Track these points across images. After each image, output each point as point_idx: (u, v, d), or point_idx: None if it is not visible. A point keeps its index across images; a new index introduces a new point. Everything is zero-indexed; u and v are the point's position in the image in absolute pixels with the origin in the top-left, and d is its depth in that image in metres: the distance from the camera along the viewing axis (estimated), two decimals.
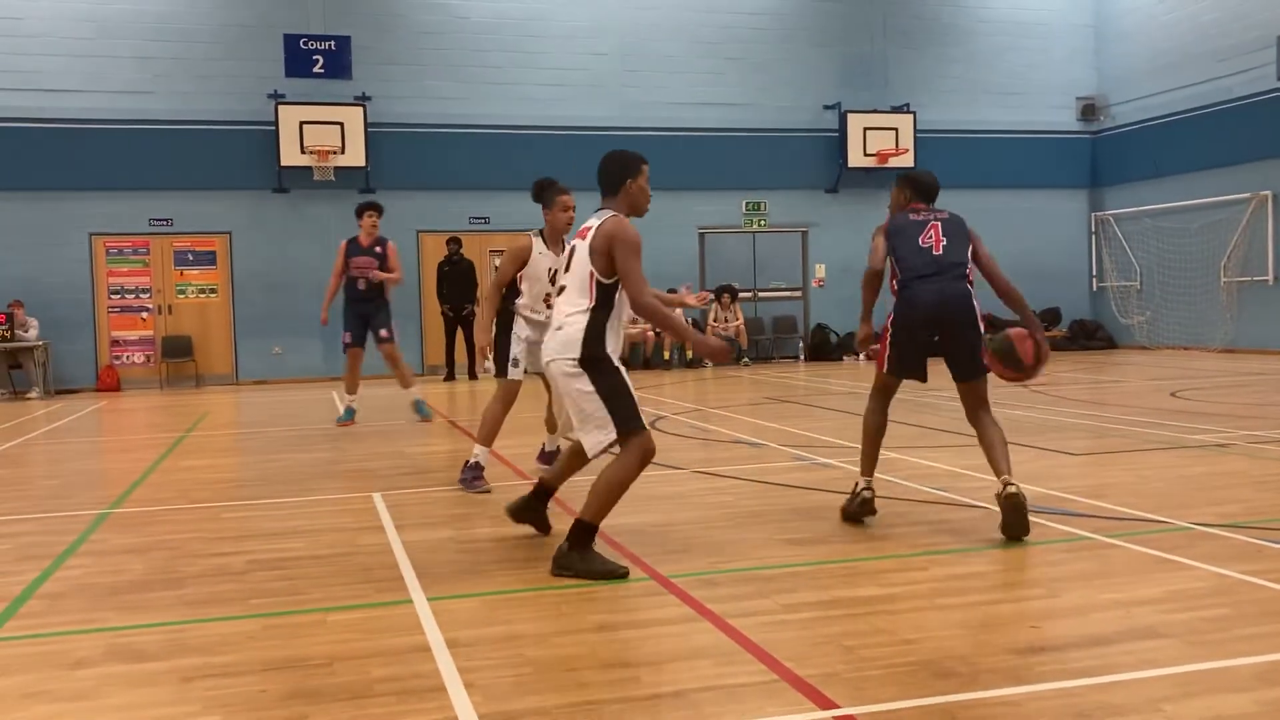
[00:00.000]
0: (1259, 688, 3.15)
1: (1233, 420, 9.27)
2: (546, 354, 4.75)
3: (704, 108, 19.36)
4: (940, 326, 5.27)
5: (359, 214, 10.74)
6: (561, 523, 5.72)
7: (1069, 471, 6.92)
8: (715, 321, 18.94)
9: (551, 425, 7.49)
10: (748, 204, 20.00)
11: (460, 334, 17.21)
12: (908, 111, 20.15)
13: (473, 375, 16.93)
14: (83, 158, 17.20)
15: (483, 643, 3.73)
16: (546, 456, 7.55)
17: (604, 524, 5.42)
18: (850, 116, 19.93)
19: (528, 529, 5.50)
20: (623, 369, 4.68)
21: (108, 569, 5.03)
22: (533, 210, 7.05)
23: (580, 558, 4.56)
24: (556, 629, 3.91)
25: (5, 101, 16.95)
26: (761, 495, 6.41)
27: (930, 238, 5.32)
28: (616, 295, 4.66)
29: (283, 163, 17.72)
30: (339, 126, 17.82)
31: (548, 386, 7.37)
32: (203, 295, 18.11)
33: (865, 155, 19.85)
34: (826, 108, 20.21)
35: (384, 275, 10.64)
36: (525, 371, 7.03)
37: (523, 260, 6.90)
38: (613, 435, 4.55)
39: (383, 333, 10.70)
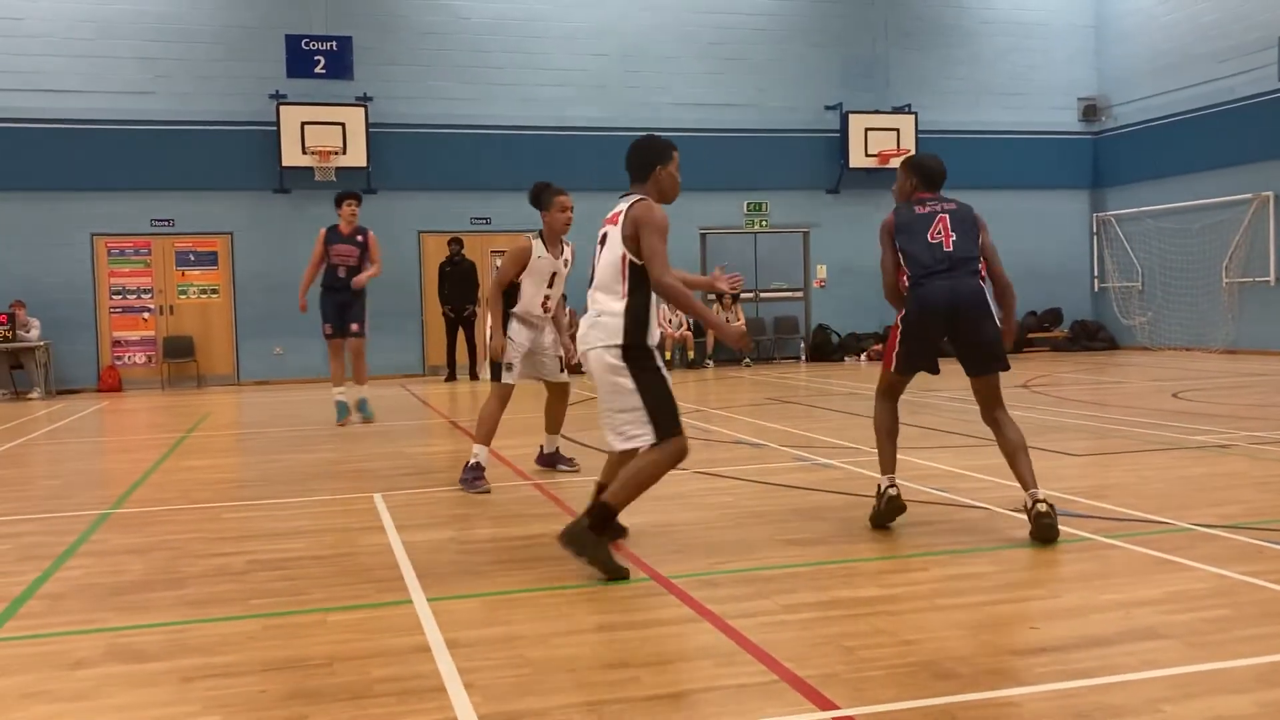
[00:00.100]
0: (1259, 689, 3.15)
1: (1234, 421, 9.27)
2: (585, 343, 4.66)
3: (705, 108, 19.36)
4: (954, 323, 5.15)
5: (338, 203, 10.75)
6: (560, 523, 5.73)
7: (1070, 472, 6.91)
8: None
9: (550, 424, 7.50)
10: (749, 204, 20.01)
11: (461, 334, 17.20)
12: (909, 112, 20.15)
13: (474, 376, 16.94)
14: (84, 158, 17.22)
15: (483, 643, 3.73)
16: (546, 458, 7.57)
17: None
18: (852, 117, 19.94)
19: (528, 529, 5.49)
20: (663, 367, 4.62)
21: (108, 569, 5.03)
22: (534, 211, 7.07)
23: (594, 541, 4.49)
24: (556, 630, 3.91)
25: (7, 102, 16.97)
26: (762, 496, 6.41)
27: (939, 232, 5.18)
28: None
29: (284, 163, 17.73)
30: (340, 127, 17.84)
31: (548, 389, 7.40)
32: (204, 295, 18.12)
33: (866, 156, 19.86)
34: (828, 108, 20.21)
35: (366, 275, 10.67)
36: (517, 376, 7.06)
37: (523, 263, 6.91)
38: (652, 439, 4.49)
39: (354, 326, 10.72)
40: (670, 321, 18.55)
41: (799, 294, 20.57)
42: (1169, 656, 3.43)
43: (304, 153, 17.67)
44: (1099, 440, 8.43)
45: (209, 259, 18.12)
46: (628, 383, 4.51)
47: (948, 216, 5.23)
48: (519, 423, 7.21)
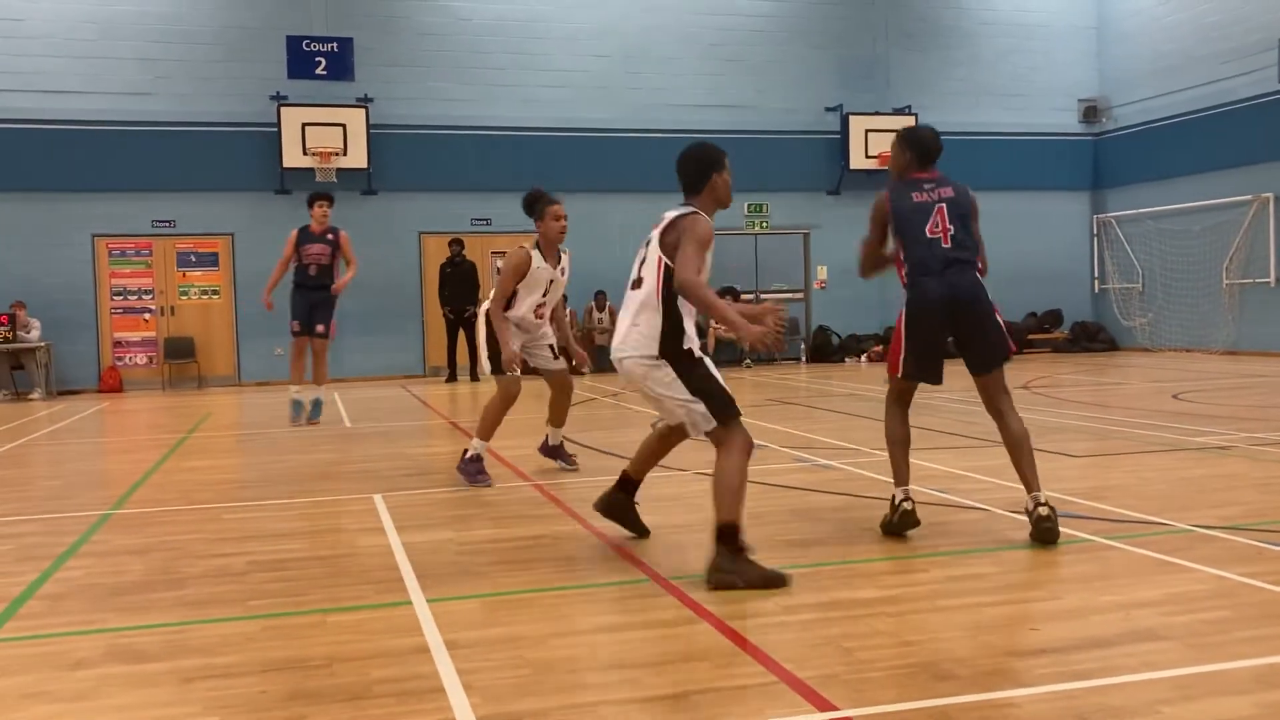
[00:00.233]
0: (1258, 690, 3.15)
1: (1234, 422, 9.26)
2: (619, 351, 4.63)
3: (706, 109, 19.36)
4: (954, 320, 5.09)
5: (310, 203, 10.88)
6: (560, 524, 5.73)
7: (1070, 474, 6.91)
8: (716, 325, 18.93)
9: (554, 418, 7.52)
10: (749, 206, 20.01)
11: (462, 335, 17.21)
12: (909, 113, 20.14)
13: (474, 377, 16.94)
14: (85, 159, 17.23)
15: (482, 644, 3.73)
16: (549, 449, 7.59)
17: (605, 526, 5.45)
18: (852, 119, 19.95)
19: (528, 530, 5.49)
20: (706, 358, 4.56)
21: (108, 570, 5.03)
22: None
23: (740, 567, 4.29)
24: (556, 630, 3.91)
25: (8, 103, 16.98)
26: (762, 497, 6.40)
27: (937, 226, 5.08)
28: None
29: (285, 164, 17.74)
30: (341, 128, 17.85)
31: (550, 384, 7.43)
32: (205, 296, 18.13)
33: (867, 157, 19.86)
34: (828, 110, 20.22)
35: (348, 278, 10.75)
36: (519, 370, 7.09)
37: (522, 273, 6.95)
38: (712, 424, 4.44)
39: (320, 328, 10.79)
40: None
41: (799, 295, 20.57)
42: (1169, 658, 3.43)
43: (305, 154, 17.68)
44: (1099, 441, 8.43)
45: (210, 260, 18.12)
46: (669, 375, 4.48)
47: (945, 207, 5.12)
48: (519, 423, 7.22)
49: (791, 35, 20.14)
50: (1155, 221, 20.10)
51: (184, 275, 18.05)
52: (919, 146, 5.34)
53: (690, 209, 4.65)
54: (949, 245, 5.08)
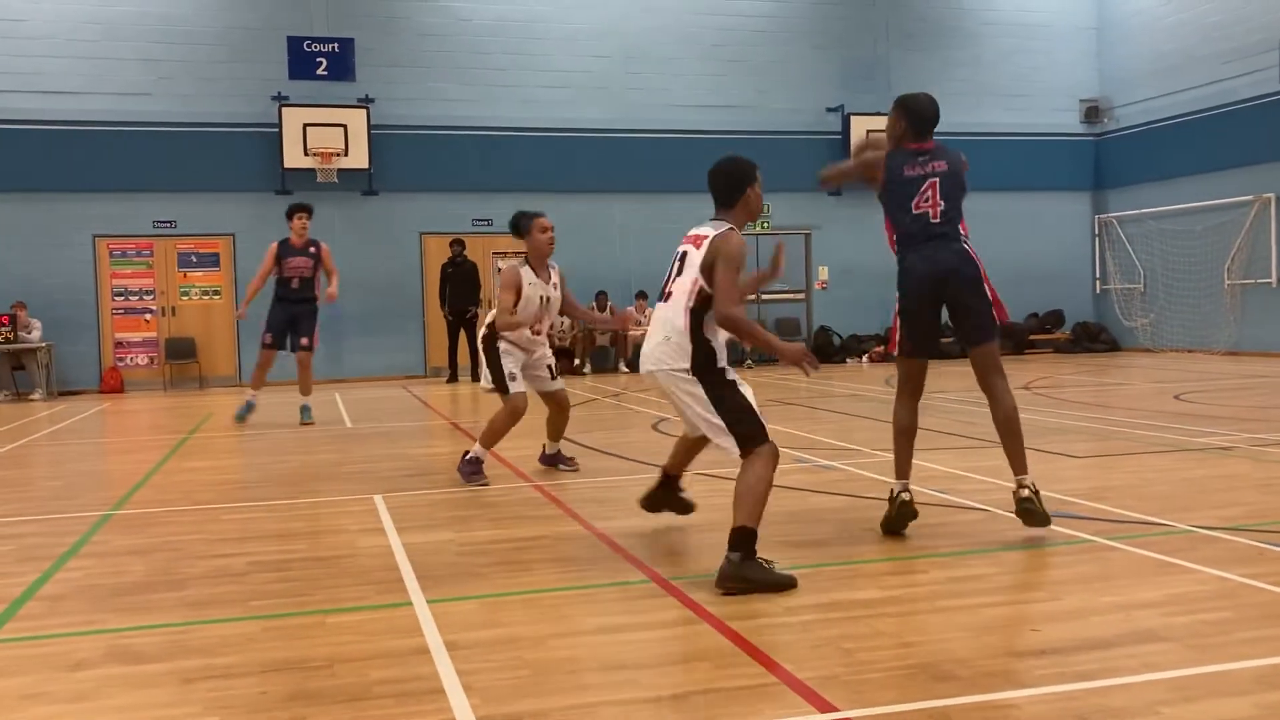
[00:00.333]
0: (1259, 691, 3.15)
1: (1236, 423, 9.26)
2: (649, 363, 4.63)
3: (706, 110, 19.36)
4: (940, 293, 5.07)
5: (289, 216, 10.96)
6: (560, 525, 5.74)
7: (1071, 474, 6.91)
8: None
9: (552, 433, 7.56)
10: None
11: (463, 336, 17.21)
12: None
13: (475, 378, 16.94)
14: (86, 159, 17.24)
15: (482, 645, 3.73)
16: (548, 458, 7.64)
17: (605, 527, 5.46)
18: (853, 119, 19.91)
19: (528, 531, 5.48)
20: (738, 378, 4.57)
21: (109, 570, 5.03)
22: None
23: (754, 568, 4.30)
24: (555, 631, 3.91)
25: (9, 103, 16.99)
26: None
27: (927, 199, 5.04)
28: None
29: (286, 165, 17.74)
30: (342, 128, 17.85)
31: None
32: (206, 297, 18.14)
33: None
34: (829, 110, 20.22)
35: (334, 288, 10.85)
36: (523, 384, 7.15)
37: (517, 285, 6.99)
38: (736, 452, 4.44)
39: (304, 340, 10.90)
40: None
41: (800, 296, 20.56)
42: (1169, 659, 3.42)
43: (306, 154, 17.68)
44: (1101, 442, 8.42)
45: (211, 260, 18.13)
46: (700, 392, 4.49)
47: (938, 181, 5.07)
48: (522, 426, 7.23)
49: (793, 36, 20.13)
50: (1157, 222, 20.09)
51: (185, 276, 18.05)
52: (913, 115, 5.27)
53: (725, 225, 4.63)
54: (938, 220, 5.05)
